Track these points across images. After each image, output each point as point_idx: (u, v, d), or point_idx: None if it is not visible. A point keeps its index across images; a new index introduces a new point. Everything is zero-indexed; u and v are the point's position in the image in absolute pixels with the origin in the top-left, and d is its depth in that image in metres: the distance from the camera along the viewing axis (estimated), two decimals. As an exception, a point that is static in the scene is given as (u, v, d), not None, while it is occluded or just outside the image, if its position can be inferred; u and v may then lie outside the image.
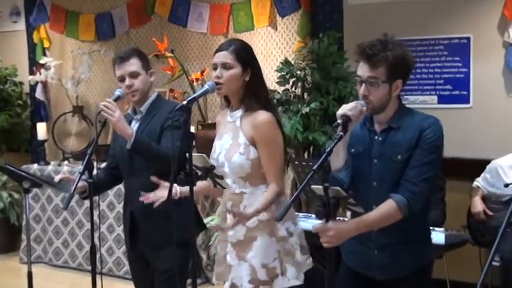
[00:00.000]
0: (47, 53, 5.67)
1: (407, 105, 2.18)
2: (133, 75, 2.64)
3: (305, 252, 2.35)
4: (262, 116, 2.26)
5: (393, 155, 2.09)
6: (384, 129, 2.13)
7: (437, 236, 2.85)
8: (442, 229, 3.04)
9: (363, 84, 2.07)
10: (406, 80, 2.11)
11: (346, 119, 2.00)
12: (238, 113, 2.33)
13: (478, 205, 3.52)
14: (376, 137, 2.15)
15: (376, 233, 2.12)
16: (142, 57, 2.70)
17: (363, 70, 2.07)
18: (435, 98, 4.15)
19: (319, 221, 1.97)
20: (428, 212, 2.20)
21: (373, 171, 2.12)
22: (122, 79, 2.66)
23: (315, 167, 1.85)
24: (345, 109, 2.03)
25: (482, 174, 3.55)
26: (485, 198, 3.55)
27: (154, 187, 2.55)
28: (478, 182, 3.56)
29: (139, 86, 2.65)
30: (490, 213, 3.50)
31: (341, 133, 1.97)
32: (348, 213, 2.47)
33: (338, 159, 2.10)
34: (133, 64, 2.65)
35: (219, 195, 2.54)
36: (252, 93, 2.30)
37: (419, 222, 2.15)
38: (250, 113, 2.29)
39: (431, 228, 2.56)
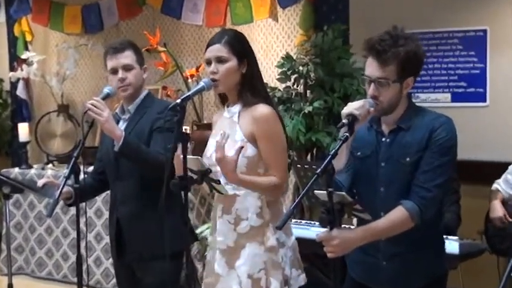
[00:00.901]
0: (29, 47, 5.68)
1: (417, 104, 2.19)
2: (127, 68, 2.66)
3: (297, 267, 2.34)
4: (262, 109, 2.26)
5: (402, 158, 2.09)
6: (392, 130, 2.14)
7: (451, 245, 2.86)
8: (456, 238, 3.04)
9: (372, 84, 2.07)
10: (417, 76, 2.12)
11: (352, 118, 2.01)
12: (236, 108, 2.33)
13: (498, 209, 3.49)
14: (383, 139, 2.15)
15: (384, 242, 2.13)
16: (136, 51, 2.72)
17: (371, 68, 2.07)
18: (448, 95, 4.16)
19: (322, 229, 1.98)
20: (441, 217, 2.21)
21: (381, 176, 2.13)
22: (114, 71, 2.67)
23: (318, 171, 1.86)
24: (351, 108, 2.03)
25: (503, 176, 3.52)
26: (505, 202, 3.54)
27: (141, 194, 2.56)
28: (498, 184, 3.53)
29: (133, 81, 2.67)
30: (510, 219, 3.49)
31: (346, 134, 1.98)
32: (354, 220, 2.48)
33: (338, 162, 2.10)
34: (128, 57, 2.67)
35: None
36: (249, 86, 2.30)
37: (432, 229, 2.15)
38: (249, 107, 2.29)
39: (444, 236, 2.57)
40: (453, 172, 2.15)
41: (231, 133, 2.30)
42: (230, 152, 2.24)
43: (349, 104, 2.07)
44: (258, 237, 2.28)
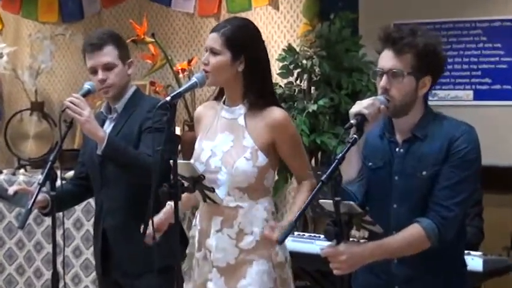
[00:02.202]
0: (-1, 37, 5.69)
1: (436, 103, 2.21)
2: (108, 67, 2.67)
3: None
4: (276, 114, 2.33)
5: (417, 171, 2.09)
6: (407, 139, 2.13)
7: (474, 262, 2.87)
8: (479, 253, 3.05)
9: (384, 76, 2.08)
10: (435, 79, 2.12)
11: (362, 118, 2.01)
12: (241, 109, 2.36)
13: None
14: (397, 149, 2.15)
15: (397, 264, 2.12)
16: (119, 44, 2.72)
17: (385, 59, 2.08)
18: (470, 93, 4.18)
19: (328, 243, 1.99)
20: (464, 237, 2.20)
21: (394, 190, 2.13)
22: (93, 71, 2.68)
23: (323, 177, 1.87)
24: (360, 106, 2.04)
25: None
26: None
27: (130, 202, 2.57)
28: None
29: (115, 81, 2.68)
30: None
31: (355, 136, 1.98)
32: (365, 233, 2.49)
33: (350, 169, 2.11)
34: (108, 53, 2.67)
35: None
36: (253, 86, 2.33)
37: (452, 249, 2.15)
38: (258, 111, 2.33)
39: (466, 252, 2.57)
40: (476, 185, 2.15)
41: (237, 137, 2.34)
42: (240, 159, 2.27)
43: (358, 102, 2.08)
44: (266, 252, 2.31)
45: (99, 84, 2.67)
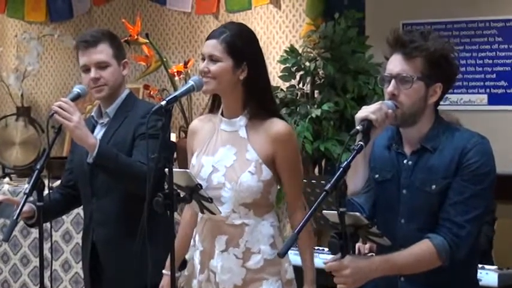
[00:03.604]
0: (-17, 38, 5.70)
1: (448, 108, 2.21)
2: (102, 65, 2.68)
3: None
4: (281, 126, 2.34)
5: (426, 185, 2.09)
6: (415, 150, 2.13)
7: (488, 276, 2.89)
8: (494, 267, 3.06)
9: (392, 81, 2.08)
10: (447, 87, 2.12)
11: (368, 124, 2.01)
12: (241, 121, 2.36)
13: None
14: (405, 161, 2.14)
15: (404, 281, 2.11)
16: (114, 43, 2.73)
17: (394, 63, 2.09)
18: (485, 97, 4.18)
19: (332, 256, 1.99)
20: (476, 254, 2.19)
21: (402, 205, 2.13)
22: (86, 69, 2.70)
23: (327, 187, 1.87)
24: (366, 111, 2.04)
25: None
26: None
27: (121, 213, 2.57)
28: None
29: (109, 80, 2.69)
30: None
31: (361, 143, 1.98)
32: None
33: (356, 179, 2.10)
34: (103, 51, 2.69)
35: None
36: (255, 95, 2.34)
37: (464, 266, 2.13)
38: (260, 122, 2.34)
39: (480, 266, 2.57)
40: (490, 201, 2.15)
41: (240, 150, 2.34)
42: (244, 174, 2.29)
43: (364, 107, 2.08)
44: (275, 271, 2.32)
45: (91, 83, 2.68)
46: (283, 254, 1.91)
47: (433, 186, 2.08)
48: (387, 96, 2.10)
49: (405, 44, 2.07)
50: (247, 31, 2.40)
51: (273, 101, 2.45)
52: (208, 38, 2.36)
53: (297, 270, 2.42)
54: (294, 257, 2.37)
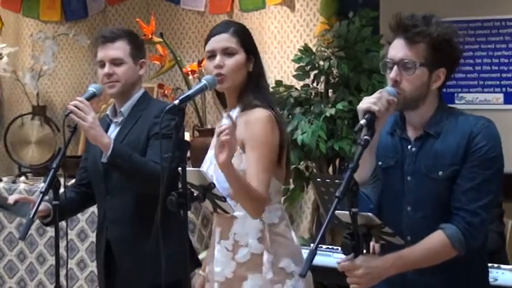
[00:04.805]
0: (-2, 37, 5.75)
1: (463, 107, 2.20)
2: (116, 62, 2.71)
3: None
4: (259, 113, 2.30)
5: (432, 171, 2.08)
6: (419, 136, 2.12)
7: (504, 276, 2.86)
8: (509, 267, 3.05)
9: (394, 67, 2.06)
10: (450, 73, 2.11)
11: (371, 116, 1.98)
12: (234, 112, 2.37)
13: None
14: (408, 147, 2.13)
15: (413, 271, 2.10)
16: (133, 42, 2.76)
17: (396, 48, 2.07)
18: (501, 96, 4.16)
19: (345, 256, 1.99)
20: (485, 241, 2.17)
21: (407, 192, 2.12)
22: (101, 64, 2.73)
23: (339, 193, 1.85)
24: (367, 102, 2.00)
25: None
26: None
27: (136, 212, 2.59)
28: None
29: (121, 77, 2.72)
30: None
31: (366, 137, 1.95)
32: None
33: (363, 170, 2.04)
34: (119, 48, 2.72)
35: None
36: (254, 87, 2.35)
37: (475, 255, 2.12)
38: (247, 112, 2.33)
39: (496, 266, 2.56)
40: (500, 186, 2.13)
41: None
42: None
43: (365, 98, 2.04)
44: (261, 266, 2.31)
45: (104, 78, 2.71)
46: (303, 275, 1.83)
47: (440, 173, 2.07)
48: (390, 83, 2.08)
49: (408, 29, 2.05)
50: (244, 25, 2.44)
51: (268, 94, 2.43)
52: (213, 35, 2.37)
53: (312, 269, 2.42)
54: (325, 258, 2.36)
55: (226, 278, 2.35)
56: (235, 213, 2.33)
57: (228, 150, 2.12)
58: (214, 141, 2.45)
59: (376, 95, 2.03)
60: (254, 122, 2.28)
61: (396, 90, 2.06)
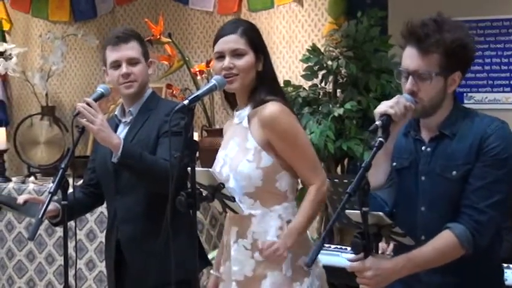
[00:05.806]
0: (7, 37, 5.75)
1: (472, 107, 2.19)
2: (133, 62, 2.71)
3: None
4: (269, 108, 2.30)
5: (446, 171, 2.09)
6: (434, 137, 2.13)
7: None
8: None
9: (410, 78, 2.07)
10: (465, 73, 2.12)
11: (387, 119, 1.99)
12: (245, 111, 2.38)
13: None
14: (423, 147, 2.14)
15: (426, 271, 2.10)
16: (142, 43, 2.79)
17: (410, 58, 2.07)
18: (510, 96, 4.15)
19: (355, 255, 1.98)
20: (499, 242, 2.19)
21: (421, 192, 2.13)
22: (116, 65, 2.72)
23: (350, 189, 1.86)
24: (385, 106, 2.02)
25: None
26: None
27: (146, 211, 2.59)
28: None
29: (139, 77, 2.72)
30: None
31: (380, 139, 1.96)
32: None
33: (378, 173, 2.08)
34: (134, 48, 2.72)
35: None
36: (263, 85, 2.36)
37: (487, 255, 2.13)
38: (258, 109, 2.34)
39: (505, 265, 2.55)
40: (511, 187, 2.13)
41: (242, 140, 2.35)
42: (242, 162, 2.28)
43: (383, 102, 2.06)
44: (280, 264, 2.31)
45: (121, 78, 2.70)
46: (310, 264, 1.88)
47: (454, 172, 2.07)
48: (406, 92, 2.09)
49: (420, 39, 2.04)
50: (254, 25, 2.44)
51: (280, 91, 2.44)
52: (221, 35, 2.37)
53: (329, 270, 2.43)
54: (324, 257, 2.38)
55: (245, 276, 2.35)
56: (253, 212, 2.33)
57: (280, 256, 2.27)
58: (225, 140, 2.45)
59: (393, 99, 2.05)
60: (270, 118, 2.29)
61: (414, 99, 2.06)
